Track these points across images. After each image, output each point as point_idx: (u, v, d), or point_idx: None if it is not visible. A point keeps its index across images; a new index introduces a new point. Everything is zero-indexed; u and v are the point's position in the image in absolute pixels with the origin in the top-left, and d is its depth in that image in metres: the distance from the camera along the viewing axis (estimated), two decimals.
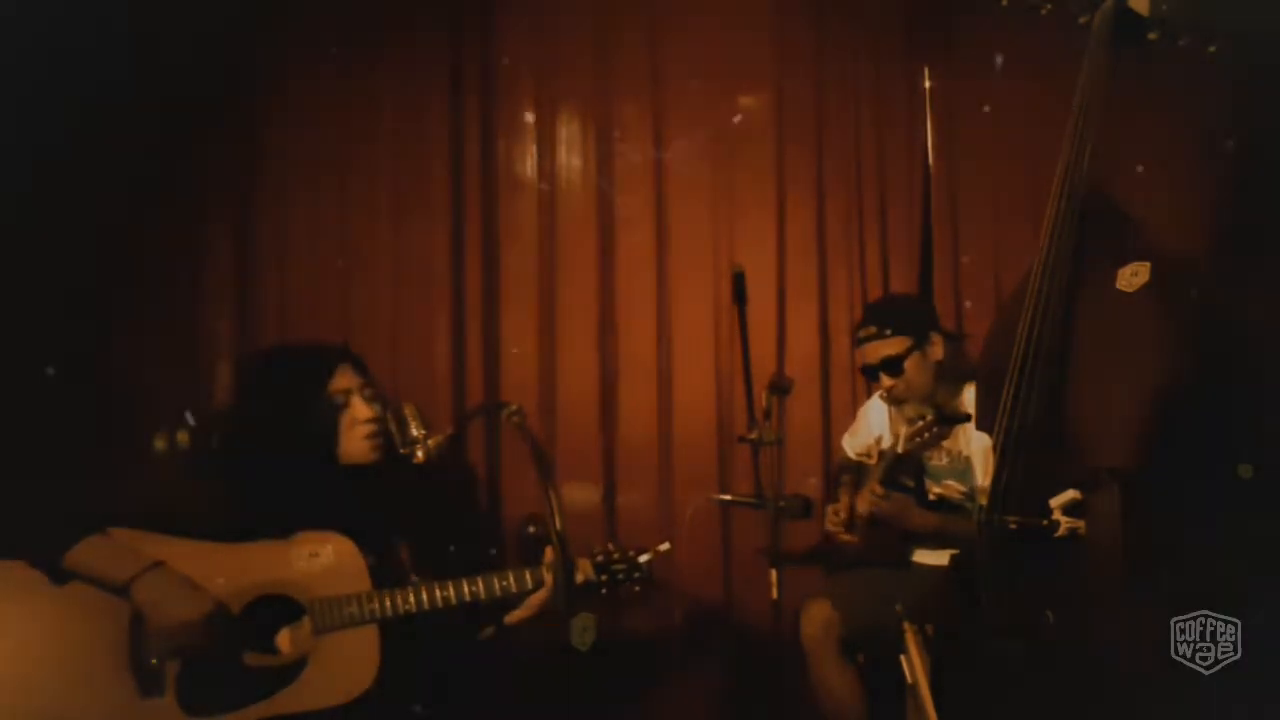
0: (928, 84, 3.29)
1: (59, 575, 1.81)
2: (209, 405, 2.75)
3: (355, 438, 2.06)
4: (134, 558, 1.83)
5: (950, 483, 2.61)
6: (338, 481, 2.06)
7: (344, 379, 2.07)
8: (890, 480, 2.57)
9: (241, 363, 2.18)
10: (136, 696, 1.82)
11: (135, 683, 1.82)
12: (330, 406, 2.05)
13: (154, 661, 1.83)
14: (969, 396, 2.54)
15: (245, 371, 2.12)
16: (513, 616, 2.13)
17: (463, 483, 2.97)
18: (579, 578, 2.12)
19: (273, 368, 2.14)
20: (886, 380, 2.62)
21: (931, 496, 2.65)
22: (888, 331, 2.60)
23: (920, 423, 2.40)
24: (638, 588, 2.18)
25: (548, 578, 2.06)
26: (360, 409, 2.06)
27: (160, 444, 2.65)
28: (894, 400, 2.68)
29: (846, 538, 2.70)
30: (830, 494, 2.93)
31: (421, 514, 2.27)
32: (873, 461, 2.80)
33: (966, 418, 2.40)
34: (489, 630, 2.17)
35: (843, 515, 2.68)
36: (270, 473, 1.96)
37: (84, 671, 1.81)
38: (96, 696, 1.80)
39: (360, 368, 2.13)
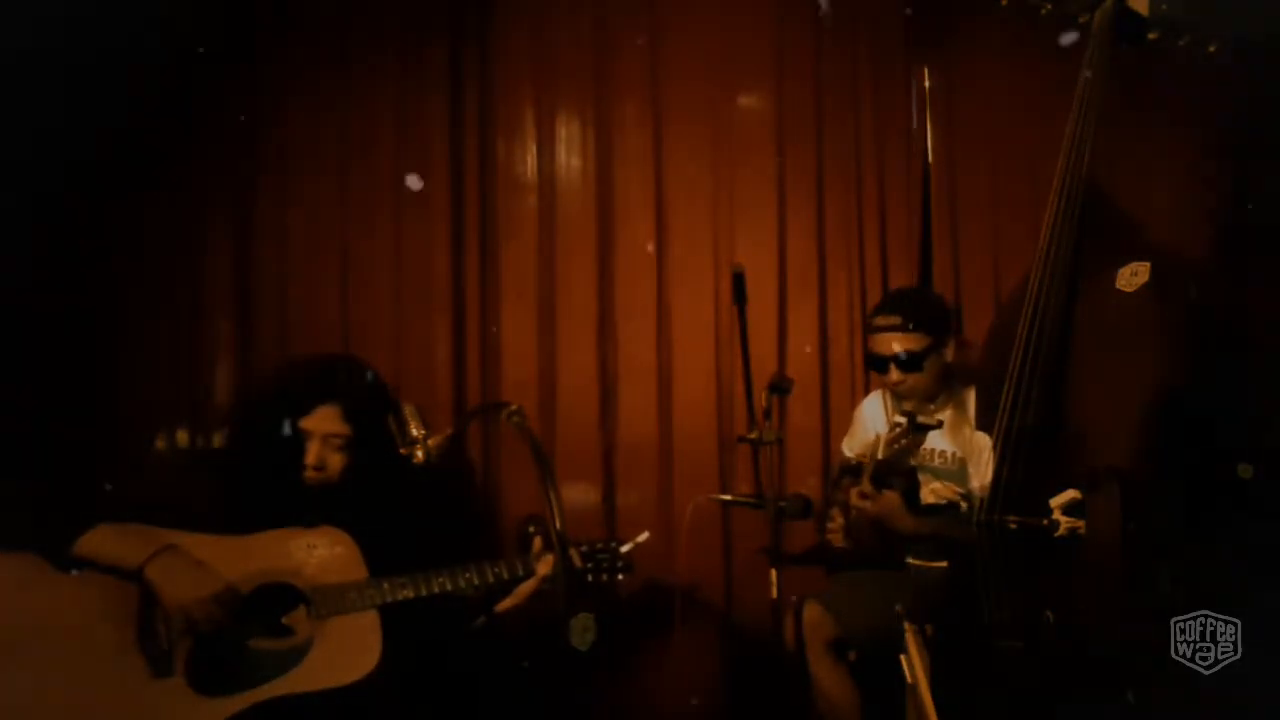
0: (928, 84, 3.29)
1: (65, 563, 1.86)
2: (209, 405, 2.76)
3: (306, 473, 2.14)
4: (147, 541, 1.90)
5: (938, 485, 2.61)
6: (300, 495, 2.12)
7: (319, 420, 2.11)
8: (877, 483, 2.55)
9: (260, 375, 2.33)
10: (147, 678, 1.87)
11: (145, 664, 1.87)
12: (296, 439, 2.11)
13: (164, 644, 1.88)
14: (971, 400, 2.54)
15: (254, 386, 2.20)
16: (503, 604, 2.21)
17: (462, 483, 2.97)
18: None
19: (267, 389, 2.24)
20: (896, 374, 2.55)
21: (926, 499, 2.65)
22: (911, 325, 2.52)
23: (897, 429, 2.40)
24: (621, 576, 2.26)
25: (537, 566, 2.16)
26: (310, 454, 2.10)
27: (160, 444, 2.67)
28: (899, 395, 2.66)
29: (841, 544, 2.70)
30: (830, 495, 2.93)
31: (414, 517, 2.30)
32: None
33: (939, 425, 2.40)
34: (481, 620, 2.24)
35: (839, 522, 2.69)
36: (242, 479, 2.09)
37: (93, 655, 1.85)
38: (107, 679, 1.85)
39: (354, 416, 2.14)
